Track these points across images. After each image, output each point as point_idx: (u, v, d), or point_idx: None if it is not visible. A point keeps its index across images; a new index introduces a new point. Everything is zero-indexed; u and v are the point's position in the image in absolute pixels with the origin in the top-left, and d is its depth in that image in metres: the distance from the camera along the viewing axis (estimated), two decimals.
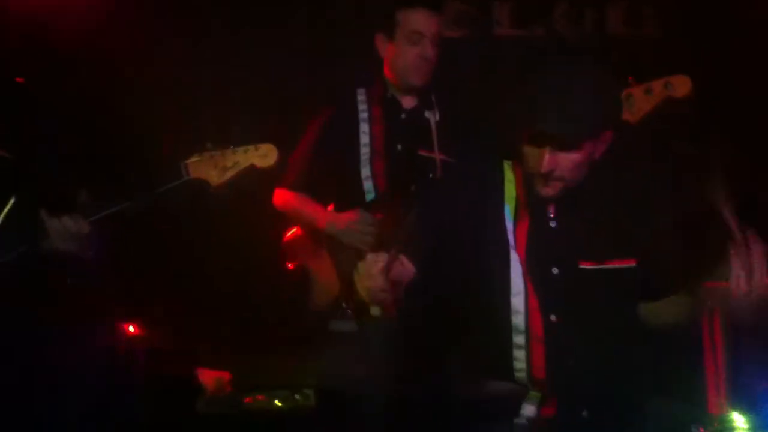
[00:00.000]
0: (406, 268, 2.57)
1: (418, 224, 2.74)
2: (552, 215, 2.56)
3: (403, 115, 3.45)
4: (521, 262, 2.54)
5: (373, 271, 2.38)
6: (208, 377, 3.68)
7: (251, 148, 2.76)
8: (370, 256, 2.43)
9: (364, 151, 3.40)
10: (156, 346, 3.69)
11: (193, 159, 2.73)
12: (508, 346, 2.54)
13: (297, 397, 3.56)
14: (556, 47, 4.37)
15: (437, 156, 3.34)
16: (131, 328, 3.70)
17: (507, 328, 2.54)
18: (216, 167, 2.72)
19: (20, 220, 2.71)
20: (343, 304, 3.13)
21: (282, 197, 3.48)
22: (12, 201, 2.73)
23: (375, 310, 3.14)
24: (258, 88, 4.02)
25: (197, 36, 4.03)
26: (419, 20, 3.33)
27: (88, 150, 2.89)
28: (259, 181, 2.86)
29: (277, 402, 3.59)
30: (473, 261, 2.61)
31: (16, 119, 2.84)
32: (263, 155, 2.76)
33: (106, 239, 2.80)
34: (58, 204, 2.69)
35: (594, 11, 4.43)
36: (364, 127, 3.42)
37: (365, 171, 3.39)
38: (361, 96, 3.48)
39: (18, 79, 2.94)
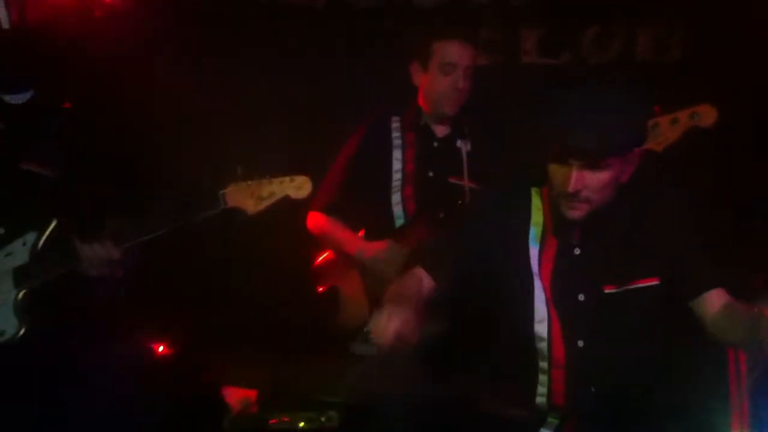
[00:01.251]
0: (425, 287, 2.61)
1: (445, 250, 2.79)
2: (576, 241, 2.59)
3: (435, 143, 3.50)
4: (545, 289, 2.58)
5: (388, 327, 2.41)
6: (235, 397, 3.70)
7: (287, 179, 2.80)
8: (386, 311, 2.45)
9: (396, 177, 3.45)
10: (184, 365, 3.71)
11: (230, 188, 2.77)
12: (531, 371, 2.58)
13: (322, 419, 3.57)
14: (583, 74, 4.39)
15: (467, 183, 3.39)
16: (160, 348, 3.73)
17: (530, 354, 2.58)
18: (252, 197, 2.76)
19: (62, 242, 2.76)
20: (365, 328, 3.17)
21: (315, 221, 3.52)
22: (53, 224, 2.78)
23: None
24: (293, 115, 4.06)
25: (236, 65, 4.08)
26: (453, 51, 3.38)
27: (126, 175, 2.93)
28: (293, 204, 2.89)
29: (301, 424, 3.60)
30: (496, 287, 2.65)
31: (62, 143, 2.88)
32: (298, 187, 2.80)
33: (139, 262, 2.84)
34: (90, 229, 2.74)
35: (622, 38, 4.45)
36: (396, 154, 3.47)
37: (396, 196, 3.44)
38: (395, 123, 3.53)
39: (66, 105, 2.99)
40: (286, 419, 3.58)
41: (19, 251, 2.77)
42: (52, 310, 2.80)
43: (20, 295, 2.73)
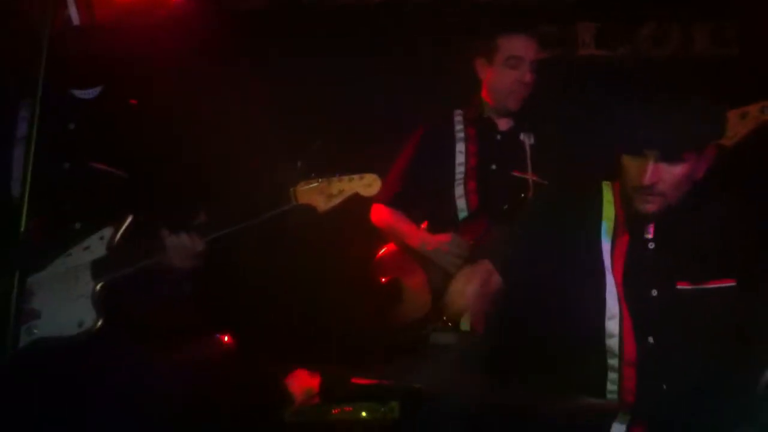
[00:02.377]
0: (494, 280, 2.62)
1: (510, 243, 2.79)
2: (650, 236, 2.58)
3: (498, 137, 3.52)
4: (617, 285, 2.55)
5: (465, 290, 2.43)
6: (298, 387, 3.74)
7: (356, 177, 2.83)
8: (462, 275, 2.48)
9: (459, 170, 3.47)
10: (248, 356, 3.76)
11: (301, 186, 2.81)
12: (601, 368, 2.57)
13: (382, 409, 3.61)
14: (641, 67, 4.38)
15: (531, 177, 3.40)
16: (225, 338, 3.78)
17: (601, 350, 2.57)
18: (322, 194, 2.80)
19: (139, 236, 2.81)
20: (444, 318, 3.20)
21: (378, 213, 3.56)
22: (129, 219, 2.83)
23: (464, 325, 3.21)
24: (358, 109, 4.10)
25: (303, 63, 4.12)
26: (518, 45, 3.40)
27: (204, 172, 2.98)
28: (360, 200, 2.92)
29: (363, 414, 3.64)
30: (565, 282, 2.63)
31: (129, 139, 2.94)
32: (367, 184, 2.83)
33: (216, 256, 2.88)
34: (177, 223, 2.79)
35: (679, 32, 4.43)
36: (459, 147, 3.49)
37: (459, 189, 3.45)
38: (458, 117, 3.56)
39: (132, 101, 3.05)
40: (348, 409, 3.62)
41: (97, 245, 2.82)
42: (127, 302, 2.85)
43: (98, 287, 2.78)
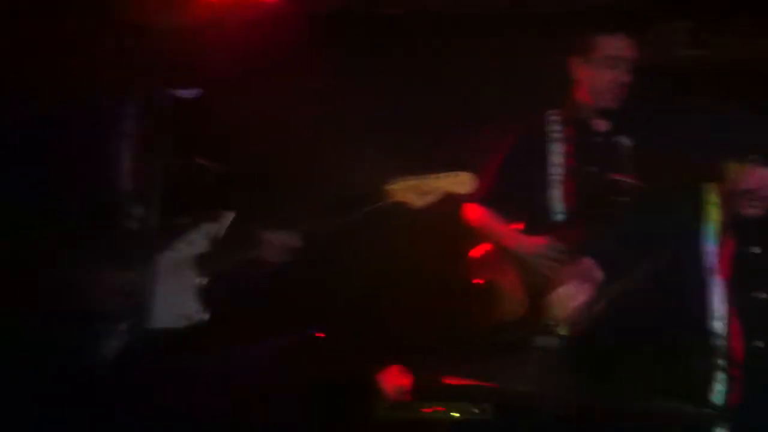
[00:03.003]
0: (596, 281, 2.61)
1: (609, 246, 2.78)
2: (756, 239, 2.55)
3: (595, 138, 3.48)
4: (724, 286, 2.54)
5: (570, 293, 2.43)
6: (390, 385, 3.77)
7: (450, 175, 2.85)
8: (566, 278, 2.48)
9: (555, 172, 3.45)
10: (340, 351, 3.80)
11: (395, 184, 2.84)
12: (707, 368, 2.55)
13: (475, 409, 3.61)
14: (737, 67, 4.29)
15: (629, 179, 3.36)
16: (319, 334, 3.83)
17: (707, 350, 2.55)
18: (416, 192, 2.83)
19: (239, 231, 2.87)
20: (549, 321, 3.18)
21: (472, 213, 3.56)
22: (230, 214, 2.90)
23: (566, 329, 3.19)
24: (452, 109, 4.11)
25: (396, 65, 4.16)
26: (616, 45, 3.38)
27: (300, 169, 3.04)
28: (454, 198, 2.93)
29: (454, 414, 3.65)
30: (669, 284, 2.61)
31: (233, 137, 3.01)
32: (461, 182, 2.85)
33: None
34: (273, 218, 2.84)
35: None
36: (556, 148, 3.47)
37: (555, 191, 3.44)
38: (553, 117, 3.53)
39: (231, 100, 3.11)
40: (440, 409, 3.63)
41: (200, 240, 2.88)
42: (230, 296, 2.92)
43: (202, 281, 2.84)
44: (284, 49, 3.82)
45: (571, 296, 2.44)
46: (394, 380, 3.83)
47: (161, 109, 2.93)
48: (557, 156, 3.46)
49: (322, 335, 3.84)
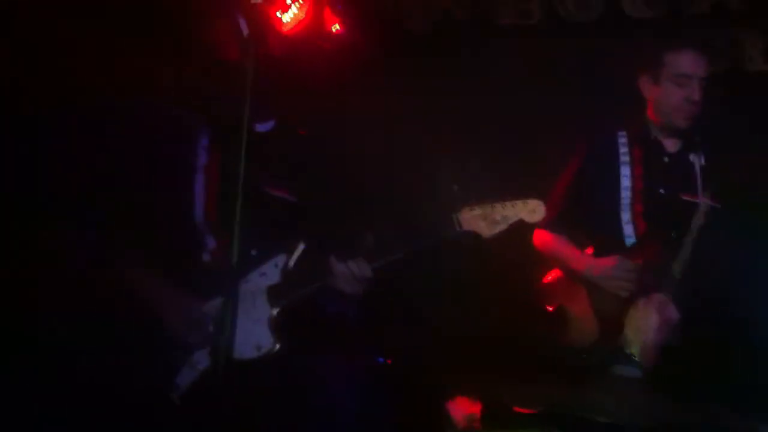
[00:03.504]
0: (671, 312, 2.55)
1: (684, 270, 2.71)
2: None
3: (666, 158, 3.41)
4: None
5: (644, 324, 2.37)
6: (459, 413, 3.74)
7: (519, 202, 2.80)
8: (640, 310, 2.42)
9: (625, 194, 3.37)
10: (410, 379, 3.78)
11: (465, 211, 2.79)
12: None
13: None
14: None
15: (702, 201, 3.27)
16: (386, 361, 3.82)
17: None
18: (486, 220, 2.78)
19: (310, 262, 2.87)
20: (629, 350, 3.10)
21: (541, 238, 3.51)
22: (301, 245, 2.90)
23: (639, 356, 3.12)
24: (516, 134, 4.08)
25: (465, 92, 4.15)
26: (687, 62, 3.30)
27: (370, 197, 3.02)
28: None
29: None
30: (747, 308, 2.55)
31: (301, 168, 3.01)
32: (532, 210, 2.80)
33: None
34: (344, 248, 2.83)
35: None
36: (624, 170, 3.40)
37: (625, 214, 3.36)
38: (621, 138, 3.46)
39: (301, 132, 3.12)
40: None
41: (272, 271, 2.89)
42: (303, 326, 2.91)
43: (274, 312, 2.85)
44: (354, 79, 3.85)
45: (643, 329, 2.37)
46: (464, 407, 3.80)
47: (237, 141, 2.94)
48: (626, 178, 3.39)
49: (390, 362, 3.83)
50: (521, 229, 3.20)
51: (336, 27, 4.01)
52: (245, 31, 2.57)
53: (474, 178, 2.98)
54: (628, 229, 3.35)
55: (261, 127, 3.04)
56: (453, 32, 4.44)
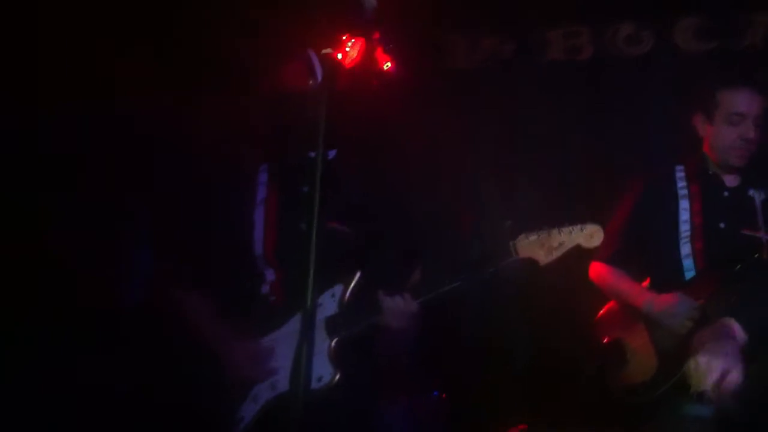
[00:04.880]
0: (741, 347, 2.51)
1: (749, 306, 2.67)
2: None
3: (726, 193, 3.39)
4: None
5: (713, 363, 2.34)
6: None
7: (576, 228, 2.77)
8: (709, 345, 2.38)
9: (684, 228, 3.35)
10: (462, 412, 3.77)
11: (521, 239, 2.77)
12: None
13: None
14: None
15: (764, 236, 3.25)
16: (440, 395, 3.81)
17: None
18: (543, 247, 2.75)
19: (365, 295, 2.88)
20: (704, 389, 3.06)
21: (597, 271, 3.49)
22: (357, 277, 2.91)
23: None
24: (575, 164, 4.09)
25: (514, 119, 4.18)
26: (741, 101, 3.28)
27: (422, 230, 3.03)
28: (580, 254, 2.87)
29: None
30: None
31: (357, 198, 3.03)
32: (589, 236, 2.77)
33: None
34: (393, 283, 2.85)
35: None
36: (683, 204, 3.38)
37: (685, 249, 3.33)
38: (679, 173, 3.45)
39: (360, 162, 3.14)
40: None
41: (329, 302, 2.91)
42: (361, 358, 2.92)
43: (332, 344, 2.86)
44: (403, 113, 3.88)
45: (713, 367, 2.33)
46: None
47: (297, 173, 2.97)
48: (685, 212, 3.37)
49: (444, 396, 3.82)
50: (576, 261, 3.21)
51: (387, 65, 4.05)
52: (319, 72, 2.60)
53: (528, 210, 2.98)
54: (688, 264, 3.32)
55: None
56: (502, 68, 4.48)
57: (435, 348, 3.36)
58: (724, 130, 3.31)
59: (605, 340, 3.43)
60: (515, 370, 3.99)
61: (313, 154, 3.02)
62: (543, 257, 2.77)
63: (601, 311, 3.51)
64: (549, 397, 3.79)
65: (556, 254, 2.77)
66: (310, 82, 2.77)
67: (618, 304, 3.47)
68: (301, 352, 2.16)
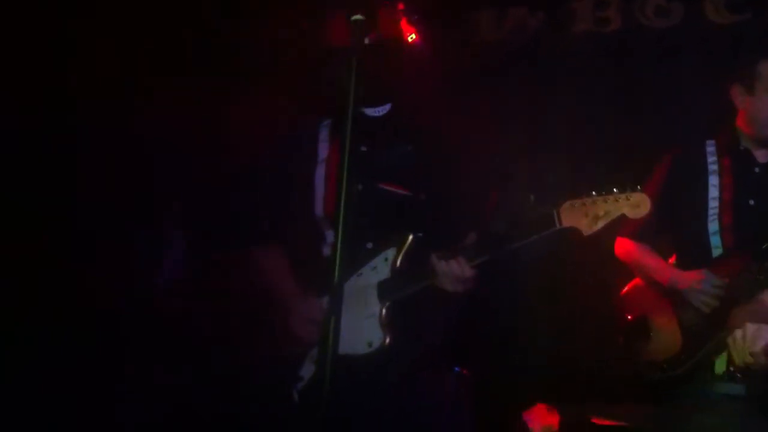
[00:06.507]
0: None
1: None
2: None
3: (756, 169, 3.32)
4: None
5: (755, 340, 2.30)
6: (537, 423, 3.70)
7: (622, 197, 2.65)
8: (753, 328, 2.34)
9: (713, 205, 3.29)
10: (486, 389, 3.74)
11: (565, 206, 2.67)
12: None
13: None
14: None
15: None
16: (461, 371, 3.77)
17: None
18: (587, 216, 2.65)
19: (419, 258, 2.83)
20: (731, 368, 3.02)
21: (624, 247, 3.44)
22: (409, 240, 2.86)
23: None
24: (608, 136, 4.03)
25: (542, 92, 4.13)
26: None
27: (469, 194, 2.96)
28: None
29: None
30: None
31: (416, 159, 2.97)
32: (635, 205, 2.65)
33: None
34: (447, 246, 2.79)
35: None
36: (713, 180, 3.32)
37: (713, 225, 3.27)
38: (710, 147, 3.38)
39: (416, 119, 3.07)
40: None
41: (382, 266, 2.87)
42: (412, 323, 2.87)
43: (384, 308, 2.83)
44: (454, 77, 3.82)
45: (752, 339, 2.30)
46: (542, 419, 3.75)
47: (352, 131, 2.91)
48: (714, 189, 3.31)
49: (465, 372, 3.79)
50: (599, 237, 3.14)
51: (412, 36, 3.99)
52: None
53: (556, 184, 2.91)
54: (715, 240, 3.27)
55: (373, 112, 2.99)
56: (529, 40, 4.42)
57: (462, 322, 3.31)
58: (767, 100, 3.22)
59: (629, 317, 3.39)
60: (539, 346, 3.95)
61: (367, 110, 2.99)
62: (586, 227, 2.65)
63: (626, 287, 3.47)
64: (577, 374, 3.76)
65: (601, 224, 2.65)
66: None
67: (643, 280, 3.42)
68: (328, 327, 2.11)
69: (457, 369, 3.67)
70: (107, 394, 4.11)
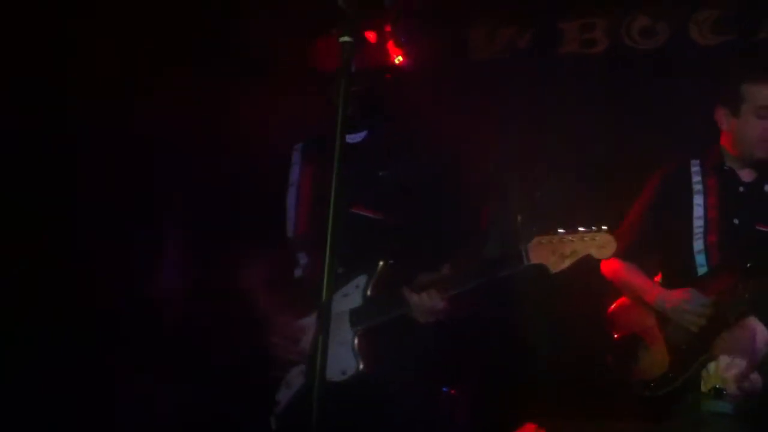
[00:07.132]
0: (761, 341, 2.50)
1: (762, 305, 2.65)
2: None
3: (741, 188, 3.35)
4: None
5: (734, 361, 2.32)
6: None
7: (588, 236, 2.71)
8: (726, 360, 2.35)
9: (698, 224, 3.31)
10: (478, 408, 3.76)
11: (534, 243, 2.72)
12: None
13: None
14: None
15: None
16: (449, 391, 3.78)
17: None
18: (554, 254, 2.70)
19: (390, 286, 2.84)
20: (717, 386, 3.03)
21: (610, 266, 3.45)
22: (380, 267, 2.87)
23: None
24: (592, 156, 4.05)
25: (531, 120, 4.15)
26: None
27: (443, 224, 2.97)
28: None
29: None
30: None
31: (387, 187, 2.98)
32: (601, 246, 2.71)
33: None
34: (418, 278, 2.80)
35: None
36: (698, 199, 3.35)
37: (698, 244, 3.30)
38: (695, 167, 3.41)
39: (392, 144, 3.07)
40: None
41: (354, 293, 2.88)
42: (385, 350, 2.87)
43: (356, 336, 2.83)
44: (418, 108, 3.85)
45: (724, 370, 2.32)
46: None
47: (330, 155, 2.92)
48: (699, 208, 3.33)
49: (453, 392, 3.79)
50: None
51: (399, 59, 4.00)
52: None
53: (542, 206, 2.94)
54: (701, 259, 3.29)
55: (351, 139, 2.97)
56: (516, 61, 4.46)
57: (450, 343, 3.31)
58: (752, 122, 3.26)
59: (616, 336, 3.40)
60: (532, 365, 3.96)
61: (348, 136, 2.99)
62: (554, 265, 2.72)
63: (613, 306, 3.48)
64: (566, 392, 3.76)
65: (568, 262, 2.72)
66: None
67: (630, 299, 3.44)
68: (315, 350, 2.11)
69: (445, 389, 3.69)
70: (107, 394, 4.10)
